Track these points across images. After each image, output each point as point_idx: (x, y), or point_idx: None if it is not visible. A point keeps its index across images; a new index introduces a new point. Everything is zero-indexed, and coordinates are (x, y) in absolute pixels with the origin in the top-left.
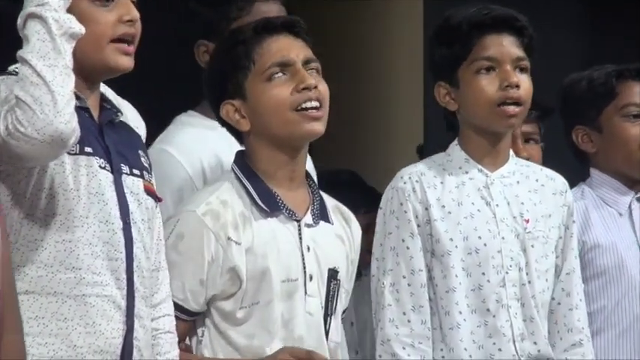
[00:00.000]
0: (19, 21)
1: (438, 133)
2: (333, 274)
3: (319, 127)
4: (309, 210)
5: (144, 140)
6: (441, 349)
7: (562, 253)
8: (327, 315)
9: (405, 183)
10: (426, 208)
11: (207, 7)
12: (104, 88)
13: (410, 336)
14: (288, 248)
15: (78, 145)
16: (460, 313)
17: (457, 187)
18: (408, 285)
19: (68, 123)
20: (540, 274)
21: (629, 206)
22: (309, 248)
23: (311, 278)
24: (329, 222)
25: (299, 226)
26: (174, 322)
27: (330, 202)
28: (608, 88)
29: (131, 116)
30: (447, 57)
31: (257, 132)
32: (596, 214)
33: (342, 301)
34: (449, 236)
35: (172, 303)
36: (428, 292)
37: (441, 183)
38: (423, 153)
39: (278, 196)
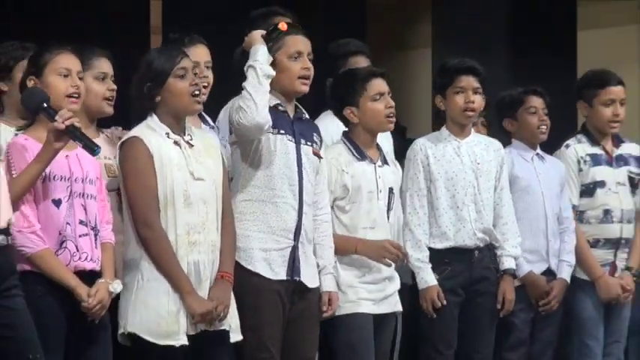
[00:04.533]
0: (245, 68)
1: None
2: (390, 190)
3: (392, 126)
4: (379, 158)
5: None
6: (433, 227)
7: (498, 179)
8: (388, 209)
9: (416, 145)
10: (427, 158)
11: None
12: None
13: (419, 220)
14: (370, 177)
15: (277, 129)
16: (443, 209)
17: (443, 147)
18: (418, 195)
19: (263, 118)
20: (485, 189)
21: (532, 159)
22: (380, 177)
23: (380, 191)
24: (388, 165)
25: (375, 166)
26: (330, 217)
27: (387, 155)
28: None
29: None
30: (441, 83)
31: (361, 124)
32: (517, 161)
33: (395, 202)
34: (437, 171)
35: (329, 208)
36: (427, 199)
37: (435, 145)
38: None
39: (365, 151)
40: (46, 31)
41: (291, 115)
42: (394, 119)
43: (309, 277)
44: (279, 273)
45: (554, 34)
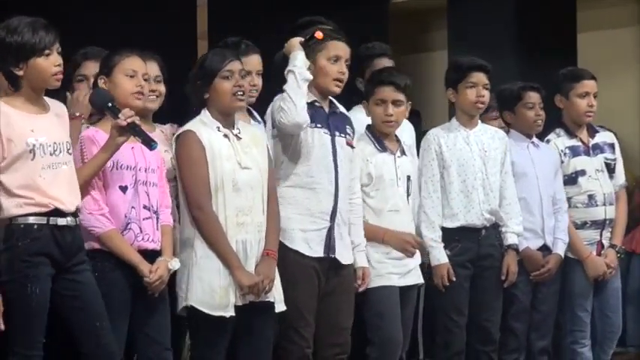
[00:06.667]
0: (285, 73)
1: None
2: (408, 177)
3: (391, 130)
4: (398, 149)
5: None
6: (446, 209)
7: (502, 164)
8: (407, 194)
9: (430, 135)
10: (439, 147)
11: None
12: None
13: (433, 203)
14: (390, 166)
15: (314, 123)
16: (455, 192)
17: (454, 137)
18: (432, 181)
19: (302, 118)
20: (492, 174)
21: (528, 147)
22: (399, 166)
23: (400, 179)
24: (406, 155)
25: (394, 157)
26: (361, 200)
27: (406, 147)
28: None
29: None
30: (454, 78)
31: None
32: (513, 149)
33: (412, 188)
34: (450, 158)
35: (360, 192)
36: (440, 184)
37: (447, 135)
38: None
39: (386, 143)
40: (95, 40)
41: (327, 110)
42: (392, 124)
43: (343, 255)
44: (317, 251)
45: (556, 36)
